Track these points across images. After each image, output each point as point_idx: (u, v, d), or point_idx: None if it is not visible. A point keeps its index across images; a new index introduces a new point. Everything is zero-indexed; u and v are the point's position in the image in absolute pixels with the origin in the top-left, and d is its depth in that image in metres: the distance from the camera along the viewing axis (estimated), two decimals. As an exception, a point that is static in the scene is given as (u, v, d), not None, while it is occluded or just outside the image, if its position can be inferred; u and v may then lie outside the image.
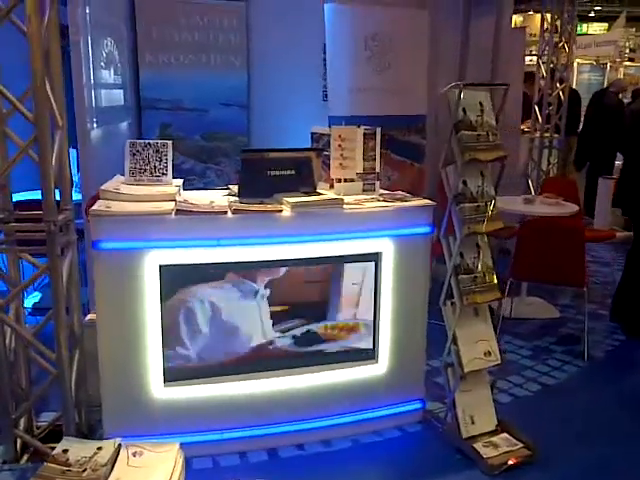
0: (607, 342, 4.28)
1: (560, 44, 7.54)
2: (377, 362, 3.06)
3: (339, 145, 2.99)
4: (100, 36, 4.10)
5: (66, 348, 2.73)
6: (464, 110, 2.78)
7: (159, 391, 2.78)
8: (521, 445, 2.93)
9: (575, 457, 2.92)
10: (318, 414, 2.98)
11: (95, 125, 3.96)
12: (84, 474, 2.23)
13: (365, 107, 4.52)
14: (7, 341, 2.77)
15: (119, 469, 2.34)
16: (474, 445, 2.90)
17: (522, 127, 8.36)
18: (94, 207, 2.60)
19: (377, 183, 3.23)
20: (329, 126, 4.42)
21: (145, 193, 2.81)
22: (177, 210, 2.63)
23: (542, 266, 3.94)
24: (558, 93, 7.59)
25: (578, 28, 12.21)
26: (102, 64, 4.16)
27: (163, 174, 3.04)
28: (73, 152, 3.48)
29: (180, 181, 3.15)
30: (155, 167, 3.04)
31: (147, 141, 3.07)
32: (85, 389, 2.97)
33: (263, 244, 2.74)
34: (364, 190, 3.18)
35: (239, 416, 2.88)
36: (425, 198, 3.12)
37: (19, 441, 2.81)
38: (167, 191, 2.86)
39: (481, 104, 2.84)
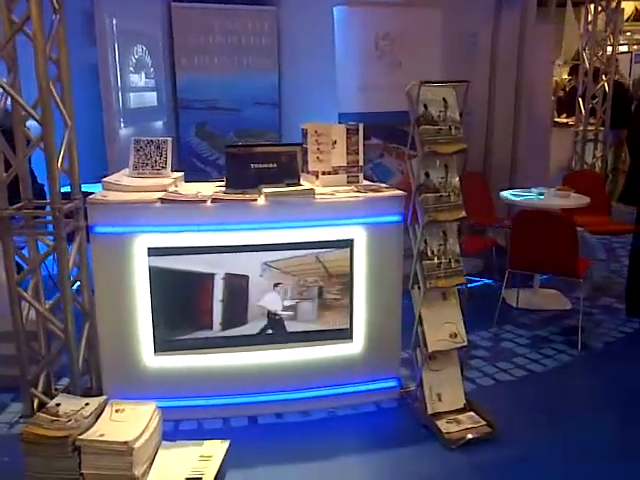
0: (611, 334, 4.29)
1: (605, 35, 7.42)
2: (352, 341, 3.29)
3: (316, 140, 3.25)
4: (129, 44, 4.53)
5: (72, 321, 3.13)
6: (425, 106, 2.97)
7: (150, 359, 3.14)
8: (484, 423, 3.09)
9: (534, 438, 3.04)
10: (296, 386, 3.25)
11: (123, 125, 4.40)
12: (68, 423, 2.62)
13: (375, 104, 4.74)
14: (25, 313, 3.21)
15: (102, 422, 2.71)
16: (437, 421, 3.09)
17: (566, 120, 8.26)
18: (92, 196, 2.99)
19: (361, 175, 3.45)
20: (339, 123, 4.68)
21: (140, 184, 3.18)
22: (162, 199, 2.97)
23: (536, 256, 4.03)
24: (603, 86, 7.47)
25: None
26: (131, 69, 4.60)
27: (163, 167, 3.40)
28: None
29: (180, 174, 3.50)
30: (156, 161, 3.40)
31: (149, 138, 3.44)
32: (96, 358, 3.38)
33: (240, 230, 3.04)
34: (348, 182, 3.42)
35: (223, 385, 3.20)
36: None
37: (36, 400, 3.25)
38: (161, 182, 3.22)
39: (445, 100, 3.02)
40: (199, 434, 3.07)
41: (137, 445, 2.57)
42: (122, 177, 3.31)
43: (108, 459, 2.54)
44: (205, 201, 3.00)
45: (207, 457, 2.72)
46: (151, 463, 2.70)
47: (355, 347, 3.31)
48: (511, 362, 3.87)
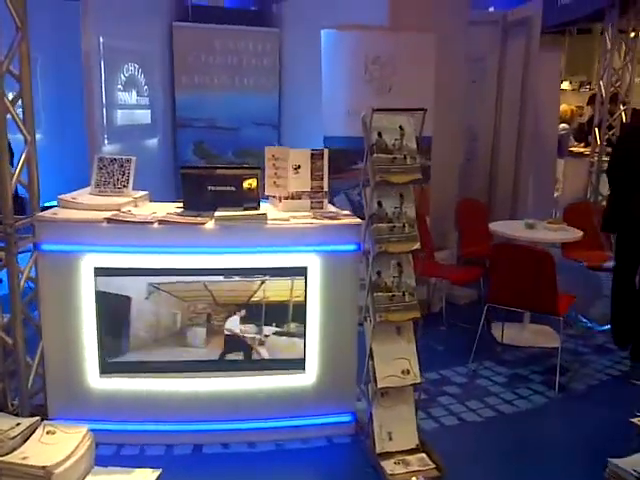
0: (597, 376, 4.07)
1: (623, 64, 7.19)
2: (305, 372, 3.19)
3: (273, 164, 3.18)
4: (119, 61, 4.57)
5: (22, 336, 3.10)
6: (380, 133, 2.88)
7: (95, 381, 3.10)
8: (433, 466, 2.94)
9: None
10: (244, 416, 3.16)
11: (107, 141, 4.42)
12: (-9, 444, 2.59)
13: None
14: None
15: (30, 443, 2.66)
16: (383, 461, 2.95)
17: (583, 150, 8.03)
18: (41, 213, 2.98)
19: (325, 201, 3.37)
20: (325, 147, 4.61)
21: (95, 202, 3.16)
22: (108, 219, 2.94)
23: (514, 291, 3.86)
24: (620, 115, 7.23)
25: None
26: (120, 87, 4.63)
27: (124, 186, 3.38)
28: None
29: (144, 193, 3.47)
30: (118, 180, 3.39)
31: (113, 157, 3.44)
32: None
33: (186, 253, 2.98)
34: (312, 207, 3.33)
35: (167, 410, 3.12)
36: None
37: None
38: (117, 201, 3.19)
39: (401, 128, 2.92)
40: (140, 460, 3.00)
41: (58, 470, 2.52)
42: (82, 195, 3.30)
43: (27, 483, 2.49)
44: (152, 223, 2.95)
45: (132, 486, 2.64)
46: (76, 489, 2.63)
47: (308, 378, 3.20)
48: (482, 401, 3.70)
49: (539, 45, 5.71)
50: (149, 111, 5.24)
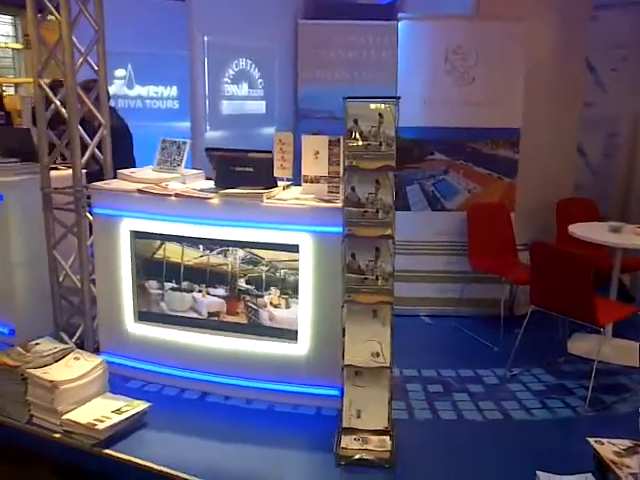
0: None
1: None
2: (297, 343, 3.42)
3: (280, 148, 3.45)
4: (225, 58, 5.16)
5: (87, 281, 3.84)
6: (355, 120, 2.99)
7: (131, 326, 3.70)
8: (388, 449, 2.98)
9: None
10: (243, 375, 3.51)
11: (208, 128, 5.05)
12: (27, 358, 3.30)
13: (440, 119, 4.64)
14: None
15: (57, 364, 3.33)
16: (344, 436, 3.07)
17: None
18: (96, 183, 3.66)
19: (341, 185, 3.54)
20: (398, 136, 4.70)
21: (144, 177, 3.75)
22: (139, 190, 3.50)
23: (554, 295, 3.59)
24: None
25: None
26: (227, 80, 5.22)
27: (178, 165, 3.92)
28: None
29: (195, 172, 3.98)
30: (174, 159, 3.94)
31: (173, 139, 3.99)
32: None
33: (197, 223, 3.42)
34: (329, 191, 3.54)
35: (182, 358, 3.61)
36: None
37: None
38: (161, 177, 3.75)
39: (381, 115, 2.99)
40: (156, 397, 3.51)
41: (63, 387, 3.14)
42: (142, 170, 3.93)
43: (40, 392, 3.15)
44: (170, 195, 3.44)
45: (118, 411, 3.16)
46: (83, 404, 3.23)
47: (300, 349, 3.43)
48: (497, 404, 3.55)
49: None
50: (263, 102, 5.77)
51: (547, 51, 4.71)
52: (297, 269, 3.35)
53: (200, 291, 3.53)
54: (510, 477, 2.84)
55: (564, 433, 3.28)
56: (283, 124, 6.07)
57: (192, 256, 3.51)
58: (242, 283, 3.46)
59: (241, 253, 3.42)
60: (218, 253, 3.46)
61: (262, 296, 3.44)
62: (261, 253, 3.40)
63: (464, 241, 4.70)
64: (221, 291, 3.50)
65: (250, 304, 3.47)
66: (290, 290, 3.39)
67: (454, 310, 4.76)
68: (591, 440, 2.63)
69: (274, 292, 3.42)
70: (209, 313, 3.54)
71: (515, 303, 4.87)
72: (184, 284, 3.55)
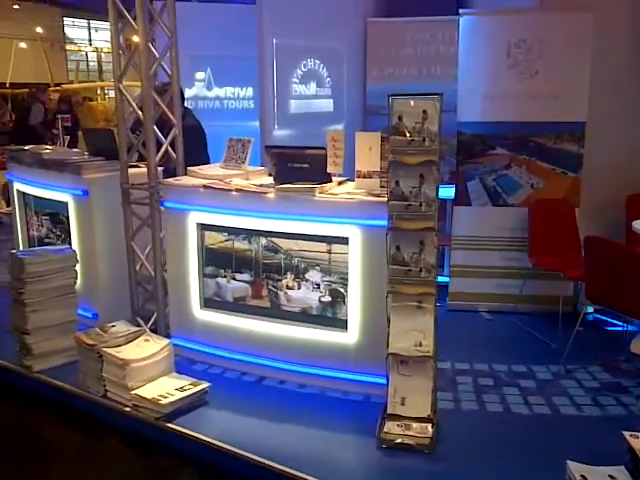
0: None
1: None
2: (347, 332, 3.59)
3: (333, 145, 3.61)
4: (294, 59, 5.38)
5: (160, 270, 4.17)
6: (400, 117, 3.10)
7: (198, 312, 4.00)
8: (429, 436, 3.09)
9: (468, 472, 2.92)
10: (296, 360, 3.71)
11: (276, 127, 5.29)
12: (103, 338, 3.65)
13: (502, 114, 4.65)
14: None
15: (130, 345, 3.66)
16: (388, 421, 3.21)
17: None
18: (166, 179, 3.97)
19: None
20: (457, 132, 4.77)
21: (211, 173, 4.02)
22: (204, 186, 3.77)
23: (610, 291, 3.54)
24: None
25: None
26: (295, 80, 5.44)
27: (242, 162, 4.17)
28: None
29: (258, 168, 4.21)
30: (239, 157, 4.20)
31: (239, 137, 4.25)
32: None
33: (255, 217, 3.65)
34: (381, 186, 3.67)
35: (242, 343, 3.86)
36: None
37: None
38: (226, 173, 4.01)
39: (425, 112, 3.09)
40: (218, 379, 3.79)
41: (133, 365, 3.46)
42: (210, 167, 4.21)
43: (113, 368, 3.50)
44: (231, 190, 3.69)
45: (181, 388, 3.45)
46: (151, 382, 3.54)
47: (350, 338, 3.59)
48: (547, 399, 3.55)
49: None
50: (331, 100, 5.94)
51: (615, 42, 4.58)
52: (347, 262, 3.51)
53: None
54: (547, 469, 2.86)
55: (611, 429, 3.23)
56: (351, 121, 6.22)
57: (242, 248, 3.75)
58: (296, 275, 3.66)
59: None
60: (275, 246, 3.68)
61: (318, 286, 3.63)
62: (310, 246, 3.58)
63: (525, 237, 4.67)
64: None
65: (304, 293, 3.67)
66: (340, 282, 3.55)
67: (514, 306, 4.74)
68: (626, 433, 2.62)
69: (325, 284, 3.59)
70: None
71: (579, 301, 4.79)
72: (243, 274, 3.79)
